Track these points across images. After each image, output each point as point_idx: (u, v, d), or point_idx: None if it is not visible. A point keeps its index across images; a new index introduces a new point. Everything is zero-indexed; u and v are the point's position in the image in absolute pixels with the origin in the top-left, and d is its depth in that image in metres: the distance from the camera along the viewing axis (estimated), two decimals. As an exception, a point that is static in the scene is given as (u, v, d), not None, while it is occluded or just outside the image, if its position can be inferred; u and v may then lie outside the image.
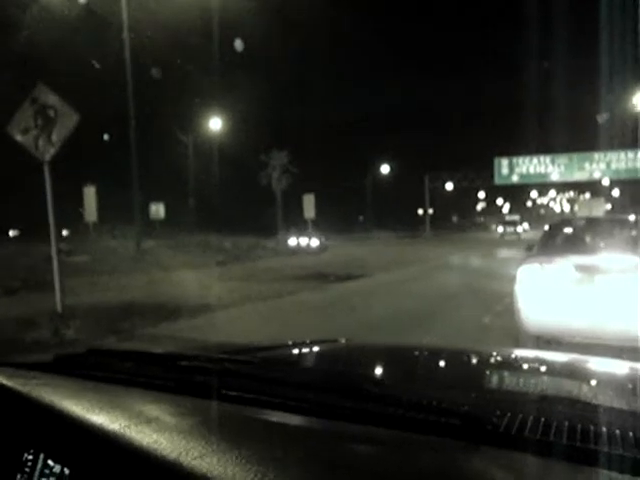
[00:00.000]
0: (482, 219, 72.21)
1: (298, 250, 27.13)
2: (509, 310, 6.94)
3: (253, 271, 16.01)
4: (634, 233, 6.84)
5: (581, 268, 5.79)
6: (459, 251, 24.93)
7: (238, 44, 22.85)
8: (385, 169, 58.47)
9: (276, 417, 1.11)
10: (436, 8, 59.38)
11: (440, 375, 1.70)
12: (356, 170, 51.26)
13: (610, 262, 5.76)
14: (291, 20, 44.89)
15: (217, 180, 33.93)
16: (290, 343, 2.10)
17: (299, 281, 12.87)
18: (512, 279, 6.16)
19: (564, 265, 5.89)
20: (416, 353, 2.07)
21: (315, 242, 27.64)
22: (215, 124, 36.84)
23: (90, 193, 23.99)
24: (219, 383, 1.24)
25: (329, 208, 47.95)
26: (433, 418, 1.02)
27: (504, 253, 21.75)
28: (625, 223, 7.97)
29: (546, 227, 7.85)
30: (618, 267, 5.70)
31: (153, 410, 1.18)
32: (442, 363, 1.91)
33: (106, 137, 35.57)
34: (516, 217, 54.75)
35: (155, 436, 0.99)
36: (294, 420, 1.10)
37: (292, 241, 27.38)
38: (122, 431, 1.02)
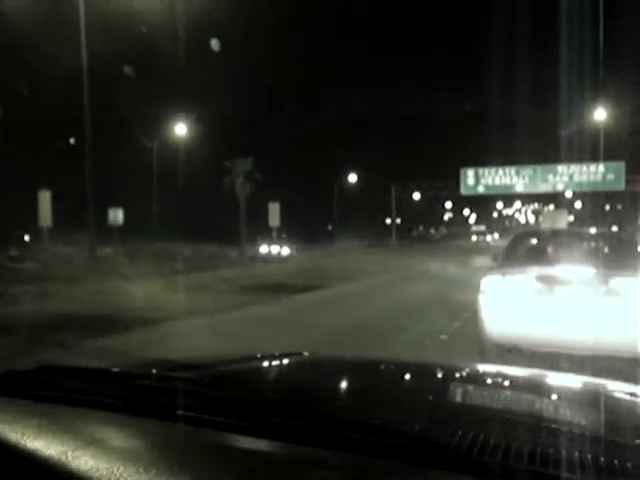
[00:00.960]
0: (444, 230, 72.75)
1: (262, 258, 26.64)
2: (469, 325, 6.83)
3: (209, 281, 15.45)
4: (593, 245, 7.19)
5: (542, 279, 5.92)
6: (423, 261, 24.72)
7: (210, 45, 22.43)
8: (353, 178, 58.36)
9: (229, 440, 1.08)
10: (406, 21, 59.78)
11: (398, 392, 1.64)
12: (323, 179, 50.87)
13: (569, 274, 5.89)
14: (261, 26, 44.59)
15: (181, 186, 33.27)
16: (250, 357, 2.07)
17: (254, 292, 12.40)
18: (475, 288, 6.24)
19: (526, 276, 6.01)
20: (377, 367, 2.05)
21: (284, 250, 27.15)
22: (180, 130, 36.24)
23: (45, 198, 23.14)
24: (171, 403, 1.19)
25: (296, 217, 47.64)
26: (383, 440, 1.00)
27: (468, 262, 21.60)
28: (585, 236, 8.29)
29: (509, 239, 7.96)
30: (577, 279, 5.84)
31: (98, 432, 1.14)
32: (401, 378, 1.88)
33: (72, 141, 34.78)
34: (482, 227, 55.61)
35: (93, 462, 0.95)
36: (246, 443, 1.07)
37: (262, 249, 26.98)
38: (58, 457, 0.97)
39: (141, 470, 0.91)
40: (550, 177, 36.85)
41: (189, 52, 32.60)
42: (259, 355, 2.08)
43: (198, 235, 28.62)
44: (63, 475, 0.93)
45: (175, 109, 34.99)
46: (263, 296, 11.85)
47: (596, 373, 4.08)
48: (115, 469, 0.91)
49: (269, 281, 14.98)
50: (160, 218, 30.07)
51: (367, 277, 17.20)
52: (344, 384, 1.75)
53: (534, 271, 6.07)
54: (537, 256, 6.92)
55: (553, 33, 25.30)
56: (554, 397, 1.63)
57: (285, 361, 2.05)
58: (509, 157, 39.43)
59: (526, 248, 7.46)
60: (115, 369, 1.55)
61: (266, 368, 1.98)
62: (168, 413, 1.17)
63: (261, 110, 40.32)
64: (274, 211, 35.64)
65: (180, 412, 1.17)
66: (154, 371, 1.54)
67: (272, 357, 2.06)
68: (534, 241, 7.88)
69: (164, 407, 1.19)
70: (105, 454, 0.99)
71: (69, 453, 0.98)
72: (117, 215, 25.88)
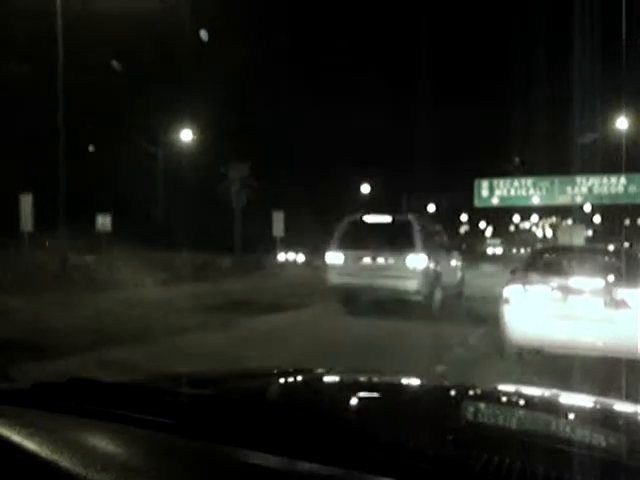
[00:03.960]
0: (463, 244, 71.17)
1: (259, 267, 25.25)
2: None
3: (182, 294, 13.97)
4: (606, 260, 8.10)
5: (558, 289, 6.75)
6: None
7: (203, 37, 21.18)
8: (365, 189, 56.87)
9: (242, 456, 1.09)
10: (423, 34, 58.45)
11: (415, 412, 1.58)
12: (333, 188, 49.29)
13: (581, 285, 6.70)
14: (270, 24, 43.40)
15: (178, 193, 31.99)
16: (265, 372, 2.11)
17: (215, 312, 10.87)
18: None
19: (543, 286, 6.88)
20: (393, 385, 2.01)
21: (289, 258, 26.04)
22: (184, 135, 35.09)
23: (26, 201, 21.95)
24: (192, 419, 1.22)
25: (306, 227, 46.17)
26: (404, 461, 0.99)
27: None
28: (598, 251, 9.66)
29: (528, 253, 9.27)
30: (588, 289, 6.66)
31: (118, 447, 1.15)
32: (417, 397, 1.85)
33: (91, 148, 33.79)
34: (497, 241, 54.29)
35: (107, 476, 0.97)
36: (260, 459, 1.07)
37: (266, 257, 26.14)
38: (78, 470, 0.99)
39: None
40: (568, 189, 34.90)
41: (195, 56, 31.45)
42: (275, 371, 2.07)
43: (193, 243, 27.23)
44: None
45: (177, 113, 33.75)
46: (222, 316, 10.34)
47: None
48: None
49: (244, 297, 13.46)
50: (154, 225, 28.73)
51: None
52: (360, 403, 1.69)
53: (551, 281, 6.90)
54: (554, 268, 7.79)
55: (573, 37, 23.67)
56: (575, 418, 1.60)
57: (301, 377, 2.01)
58: (525, 168, 37.57)
59: (544, 261, 8.31)
60: (140, 383, 1.63)
61: (282, 384, 1.93)
62: (188, 429, 1.17)
63: (269, 117, 38.96)
64: (278, 220, 34.15)
65: (198, 428, 1.17)
66: (176, 385, 1.57)
67: (288, 373, 2.04)
68: (550, 256, 8.85)
69: (184, 423, 1.20)
70: (121, 468, 1.01)
71: (87, 466, 1.00)
72: (105, 221, 24.53)
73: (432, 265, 12.27)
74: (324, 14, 52.41)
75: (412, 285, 11.53)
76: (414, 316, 10.12)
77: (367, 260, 12.19)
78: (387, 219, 12.86)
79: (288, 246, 43.74)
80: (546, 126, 34.32)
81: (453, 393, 1.94)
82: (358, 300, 12.05)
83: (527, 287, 7.03)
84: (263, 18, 42.07)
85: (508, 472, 0.94)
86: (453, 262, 14.77)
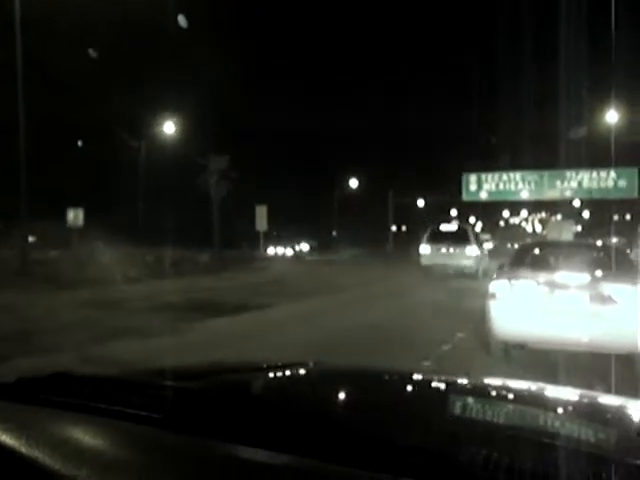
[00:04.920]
0: None
1: (239, 263, 24.39)
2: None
3: (140, 294, 13.06)
4: (594, 255, 7.87)
5: (544, 284, 6.64)
6: (411, 271, 22.18)
7: (182, 23, 20.24)
8: (354, 183, 56.07)
9: (232, 450, 1.07)
10: (415, 32, 57.71)
11: (404, 407, 1.57)
12: (318, 182, 48.41)
13: (567, 279, 6.61)
14: (252, 15, 42.41)
15: (155, 187, 30.99)
16: (255, 366, 2.04)
17: (172, 313, 9.97)
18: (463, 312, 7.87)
19: (530, 281, 6.78)
20: (382, 379, 1.99)
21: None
22: (169, 128, 34.04)
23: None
24: (176, 412, 1.21)
25: (293, 221, 45.32)
26: (393, 456, 0.99)
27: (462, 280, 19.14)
28: (586, 247, 9.41)
29: (515, 249, 8.32)
30: (574, 284, 6.55)
31: (102, 440, 1.15)
32: (408, 392, 1.85)
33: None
34: (487, 236, 53.78)
35: (90, 469, 0.97)
36: (248, 453, 1.06)
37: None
38: (60, 464, 0.99)
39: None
40: (558, 183, 34.19)
41: (173, 45, 30.44)
42: (264, 365, 2.02)
43: (172, 238, 26.28)
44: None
45: (160, 105, 32.71)
46: (180, 317, 9.45)
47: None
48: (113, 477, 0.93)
49: (207, 296, 12.59)
50: (131, 220, 27.74)
51: (332, 292, 14.67)
52: (354, 396, 1.70)
53: (537, 276, 6.80)
54: (540, 263, 7.71)
55: (561, 30, 22.93)
56: (562, 412, 1.59)
57: (290, 371, 2.00)
58: (514, 162, 36.75)
59: (530, 257, 8.15)
60: (125, 377, 1.61)
61: (271, 378, 1.93)
62: (174, 423, 1.16)
63: (252, 108, 38.01)
64: (261, 215, 33.26)
65: (184, 422, 1.17)
66: (161, 379, 1.56)
67: (277, 367, 2.01)
68: (536, 251, 8.62)
69: (170, 416, 1.19)
70: (106, 463, 1.02)
71: (68, 460, 1.00)
72: (77, 215, 23.44)
73: (478, 253, 21.79)
74: (313, 8, 51.43)
75: (469, 263, 20.95)
76: (468, 279, 14.78)
77: (443, 250, 21.80)
78: (454, 227, 24.28)
79: (275, 240, 43.07)
80: (534, 120, 33.57)
81: (443, 387, 1.91)
82: (437, 273, 20.79)
83: (513, 282, 6.93)
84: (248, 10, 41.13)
85: (496, 466, 0.95)
86: (484, 251, 24.08)
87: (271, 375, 1.97)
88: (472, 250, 21.54)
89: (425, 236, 22.83)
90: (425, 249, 22.28)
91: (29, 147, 17.41)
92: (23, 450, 1.05)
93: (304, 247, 38.82)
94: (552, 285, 6.62)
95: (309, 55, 50.20)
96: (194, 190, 28.98)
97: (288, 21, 49.92)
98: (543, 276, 6.80)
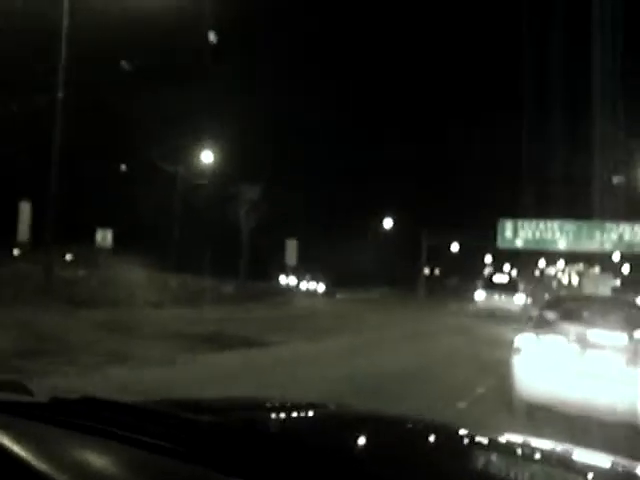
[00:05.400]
0: (455, 280, 69.30)
1: (263, 295, 24.03)
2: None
3: (160, 319, 12.81)
4: (632, 313, 7.10)
5: (576, 341, 6.01)
6: (437, 316, 21.48)
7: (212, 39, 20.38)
8: (388, 223, 55.64)
9: None
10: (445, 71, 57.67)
11: (419, 455, 1.58)
12: (352, 221, 48.07)
13: (602, 338, 5.98)
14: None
15: (194, 214, 31.06)
16: (275, 404, 2.05)
17: (181, 342, 9.82)
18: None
19: (559, 337, 6.19)
20: (407, 427, 1.98)
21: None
22: (207, 157, 34.38)
23: (25, 210, 21.21)
24: (193, 445, 1.22)
25: (322, 258, 44.95)
26: None
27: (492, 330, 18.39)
28: (624, 303, 8.73)
29: (545, 300, 8.60)
30: (610, 344, 5.91)
31: (119, 467, 1.16)
32: (423, 440, 1.83)
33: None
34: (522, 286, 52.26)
35: None
36: None
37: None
38: None
39: None
40: (597, 235, 33.17)
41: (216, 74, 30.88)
42: (284, 403, 2.03)
43: (200, 266, 26.14)
44: None
45: (195, 132, 33.03)
46: (187, 347, 9.17)
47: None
48: None
49: (228, 327, 12.20)
50: (162, 244, 27.75)
51: (345, 333, 14.03)
52: (368, 442, 1.67)
53: (568, 332, 6.16)
54: (572, 319, 6.82)
55: (596, 74, 22.46)
56: (582, 475, 1.57)
57: (307, 411, 2.00)
58: (550, 210, 35.75)
59: (562, 310, 7.30)
60: (151, 406, 1.62)
61: (287, 417, 1.93)
62: (192, 456, 1.18)
63: (290, 141, 38.16)
64: (291, 248, 33.15)
65: (202, 456, 1.18)
66: (185, 410, 1.58)
67: (295, 406, 2.01)
68: (570, 303, 8.02)
69: (189, 449, 1.20)
70: None
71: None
72: (106, 236, 23.55)
73: (524, 301, 26.22)
74: (352, 40, 51.84)
75: (517, 309, 23.31)
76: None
77: (496, 297, 26.57)
78: (506, 278, 31.92)
79: (304, 274, 42.65)
80: (568, 168, 32.70)
81: (459, 439, 1.87)
82: (488, 315, 22.67)
83: (541, 337, 6.41)
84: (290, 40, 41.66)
85: None
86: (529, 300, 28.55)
87: (288, 414, 1.97)
88: (520, 298, 27.12)
89: (480, 284, 29.35)
90: (480, 295, 27.85)
91: (68, 169, 17.63)
92: (47, 470, 1.07)
93: (328, 284, 38.41)
94: (584, 343, 6.03)
95: (348, 89, 50.37)
96: (225, 219, 28.91)
97: (329, 52, 50.36)
98: (575, 332, 6.20)
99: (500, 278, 31.12)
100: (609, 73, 21.89)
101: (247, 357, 9.77)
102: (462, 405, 6.72)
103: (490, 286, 28.01)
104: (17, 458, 1.13)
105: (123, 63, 20.64)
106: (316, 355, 10.47)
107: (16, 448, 1.16)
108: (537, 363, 6.29)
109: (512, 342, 6.78)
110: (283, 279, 32.22)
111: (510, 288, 27.63)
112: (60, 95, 16.44)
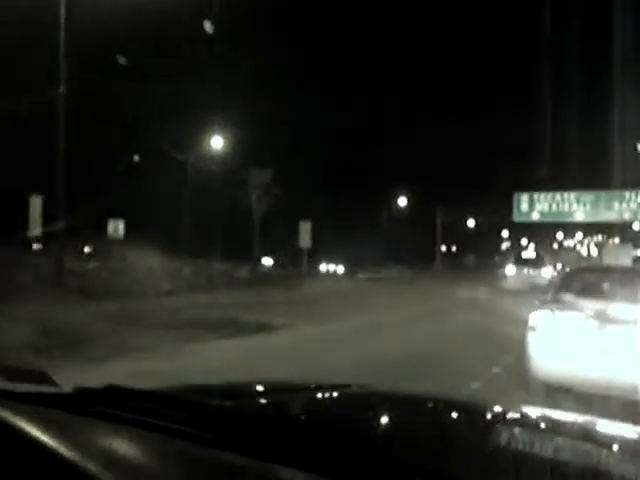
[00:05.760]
0: (471, 257, 68.79)
1: (279, 279, 23.94)
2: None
3: (170, 307, 12.67)
4: None
5: (594, 316, 5.67)
6: (452, 293, 21.17)
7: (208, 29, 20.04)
8: (402, 201, 55.11)
9: (275, 471, 1.09)
10: (455, 47, 56.70)
11: (446, 434, 1.55)
12: (364, 199, 47.65)
13: (624, 312, 5.59)
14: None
15: (205, 200, 30.93)
16: (297, 386, 2.10)
17: (186, 330, 9.61)
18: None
19: (577, 312, 5.85)
20: (420, 405, 1.96)
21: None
22: (216, 142, 34.15)
23: (36, 203, 21.12)
24: (223, 431, 1.22)
25: (338, 239, 44.69)
26: None
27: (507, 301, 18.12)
28: None
29: (562, 273, 7.77)
30: (632, 318, 5.50)
31: (145, 454, 1.19)
32: (449, 418, 1.83)
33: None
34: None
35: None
36: (286, 474, 1.08)
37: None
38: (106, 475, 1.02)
39: None
40: (615, 204, 32.52)
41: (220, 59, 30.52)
42: (310, 385, 2.03)
43: (214, 252, 26.04)
44: None
45: (206, 119, 32.79)
46: (191, 335, 9.00)
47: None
48: None
49: (233, 312, 12.05)
50: (172, 233, 27.65)
51: (365, 313, 13.81)
52: (396, 422, 1.69)
53: (586, 307, 5.83)
54: (592, 292, 6.53)
55: (617, 42, 21.78)
56: (606, 447, 1.51)
57: (332, 393, 2.00)
58: (569, 182, 35.10)
59: (580, 283, 7.02)
60: (174, 393, 1.65)
61: (313, 399, 1.93)
62: (219, 441, 1.18)
63: (301, 123, 37.78)
64: (305, 231, 32.92)
65: (229, 441, 1.18)
66: (209, 397, 1.61)
67: (320, 388, 2.00)
68: (589, 276, 7.46)
69: (215, 435, 1.20)
70: (151, 477, 1.07)
71: (117, 471, 1.03)
72: (117, 227, 23.41)
73: (552, 272, 27.06)
74: (358, 17, 51.14)
75: (545, 281, 22.01)
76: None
77: (525, 271, 28.78)
78: (533, 254, 34.70)
79: (322, 257, 42.50)
80: (588, 137, 31.97)
81: (479, 415, 1.86)
82: (519, 289, 23.02)
83: (557, 313, 6.03)
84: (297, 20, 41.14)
85: None
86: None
87: (314, 396, 1.96)
88: (547, 271, 29.25)
89: (511, 260, 32.52)
90: (511, 270, 30.46)
91: (78, 162, 17.57)
92: (75, 459, 1.08)
93: (347, 265, 38.79)
94: (604, 318, 5.66)
95: (360, 69, 49.77)
96: (237, 204, 28.74)
97: (337, 33, 49.74)
98: (593, 307, 5.84)
99: (528, 254, 35.37)
100: (629, 38, 21.22)
101: (260, 343, 9.59)
102: (476, 385, 6.45)
103: (520, 262, 31.25)
104: (44, 448, 1.14)
105: (119, 57, 20.37)
106: (325, 338, 10.27)
107: (43, 437, 1.17)
108: (553, 341, 5.94)
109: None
110: (301, 262, 32.09)
111: (538, 262, 30.80)
112: (62, 89, 16.26)
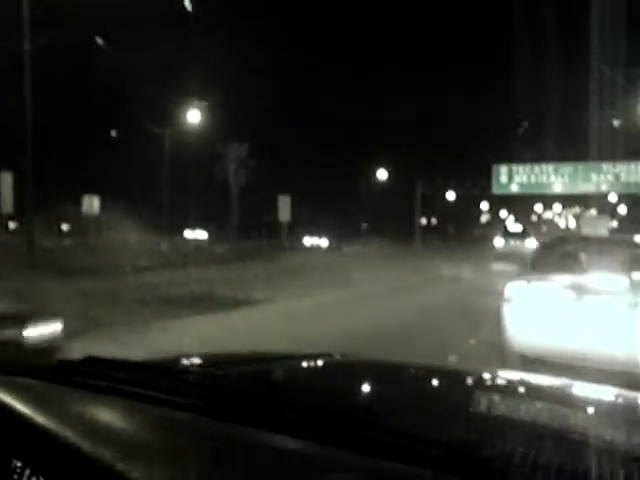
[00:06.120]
0: (477, 231, 69.19)
1: (257, 253, 23.73)
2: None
3: (144, 283, 12.42)
4: (632, 254, 6.54)
5: (571, 287, 5.64)
6: (430, 267, 21.18)
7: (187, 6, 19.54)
8: (382, 174, 54.96)
9: (258, 437, 1.09)
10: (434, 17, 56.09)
11: (430, 399, 1.60)
12: (344, 173, 47.43)
13: (601, 283, 5.59)
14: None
15: (174, 175, 30.51)
16: (280, 356, 2.10)
17: (165, 306, 9.41)
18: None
19: (553, 283, 5.80)
20: (409, 372, 2.01)
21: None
22: (193, 116, 33.58)
23: (6, 180, 20.61)
24: (206, 398, 1.23)
25: (319, 212, 44.52)
26: (421, 448, 0.99)
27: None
28: (622, 244, 7.69)
29: (538, 244, 7.75)
30: (609, 288, 5.53)
31: (129, 422, 1.19)
32: (433, 385, 1.87)
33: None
34: (518, 228, 52.09)
35: (119, 450, 0.99)
36: (277, 441, 1.07)
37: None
38: (91, 443, 1.02)
39: (165, 461, 0.95)
40: (593, 176, 32.67)
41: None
42: (293, 355, 2.05)
43: (189, 228, 25.74)
44: (94, 462, 0.96)
45: (180, 93, 32.20)
46: (165, 312, 8.80)
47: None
48: (143, 460, 0.95)
49: (209, 287, 11.90)
50: (150, 209, 27.28)
51: (340, 287, 13.70)
52: (380, 388, 1.70)
53: (563, 278, 5.78)
54: (568, 263, 6.45)
55: (595, 12, 21.63)
56: (585, 408, 1.58)
57: (319, 361, 2.02)
58: (546, 154, 35.20)
59: (556, 254, 6.95)
60: (154, 362, 1.66)
61: (301, 368, 1.94)
62: (200, 408, 1.18)
63: (278, 97, 37.26)
64: (285, 205, 32.70)
65: (214, 407, 1.19)
66: (191, 366, 1.67)
67: (305, 357, 2.02)
68: (565, 247, 7.35)
69: (199, 402, 1.20)
70: (133, 444, 1.06)
71: (99, 440, 1.03)
72: (92, 203, 23.03)
73: (535, 244, 24.52)
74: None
75: (529, 251, 19.62)
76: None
77: (512, 242, 32.96)
78: (520, 228, 38.93)
79: (303, 231, 42.31)
80: (566, 108, 31.99)
81: (463, 380, 1.88)
82: (506, 258, 20.83)
83: (533, 284, 5.91)
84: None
85: (521, 461, 0.92)
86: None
87: (297, 364, 1.96)
88: (531, 242, 30.50)
89: (499, 233, 37.27)
90: (499, 241, 35.11)
91: (58, 136, 17.10)
92: (56, 429, 1.08)
93: (331, 239, 39.10)
94: (581, 289, 5.57)
95: (335, 41, 49.10)
96: (215, 179, 28.40)
97: (313, 4, 48.90)
98: (570, 278, 5.74)
99: (515, 227, 40.20)
100: (609, 6, 21.08)
101: (237, 318, 9.39)
102: (453, 359, 6.39)
103: (507, 234, 36.24)
104: (23, 417, 1.15)
105: (98, 39, 19.85)
106: (304, 312, 10.15)
107: (22, 407, 1.18)
108: (530, 312, 5.82)
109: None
110: (281, 236, 31.94)
111: (523, 235, 35.24)
112: (27, 48, 15.65)
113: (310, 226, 44.12)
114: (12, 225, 29.35)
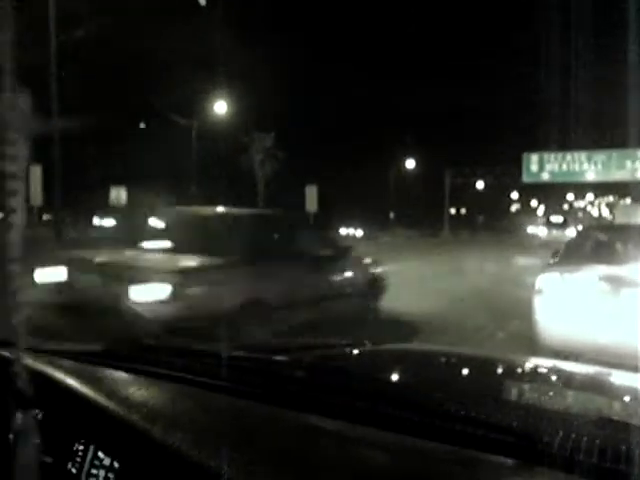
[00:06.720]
0: (481, 218, 68.41)
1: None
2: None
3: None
4: None
5: (605, 279, 5.47)
6: (454, 259, 20.79)
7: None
8: (410, 164, 54.43)
9: (305, 419, 1.13)
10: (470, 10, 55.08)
11: (479, 385, 1.61)
12: (372, 163, 47.04)
13: (636, 274, 5.31)
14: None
15: (210, 166, 30.59)
16: (316, 343, 2.13)
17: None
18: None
19: (586, 275, 5.62)
20: (449, 360, 2.02)
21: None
22: (220, 107, 33.61)
23: (36, 173, 20.85)
24: (264, 386, 1.28)
25: (347, 202, 44.31)
26: (482, 433, 1.00)
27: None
28: None
29: (571, 234, 7.10)
30: None
31: (181, 405, 1.24)
32: (478, 372, 1.82)
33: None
34: (560, 219, 51.28)
35: (190, 435, 1.03)
36: (325, 424, 1.10)
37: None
38: (162, 429, 1.06)
39: (229, 445, 0.98)
40: (627, 163, 31.86)
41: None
42: (328, 343, 2.09)
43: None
44: (166, 445, 1.00)
45: (208, 85, 32.22)
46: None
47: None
48: (209, 443, 0.99)
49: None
50: (173, 199, 27.43)
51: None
52: (430, 376, 1.71)
53: (596, 269, 5.60)
54: (602, 253, 6.26)
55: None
56: (629, 395, 1.56)
57: (357, 350, 2.03)
58: (579, 141, 34.35)
59: (590, 244, 6.75)
60: (206, 349, 1.65)
61: (334, 355, 1.93)
62: (241, 391, 1.24)
63: (307, 88, 37.08)
64: (311, 195, 32.51)
65: (261, 392, 1.23)
66: (242, 353, 1.63)
67: (340, 345, 2.05)
68: (599, 237, 7.08)
69: (255, 389, 1.25)
70: (175, 421, 1.10)
71: (145, 417, 1.09)
72: (120, 194, 23.21)
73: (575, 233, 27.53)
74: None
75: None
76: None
77: (554, 232, 38.99)
78: (561, 219, 46.81)
79: (335, 222, 42.12)
80: (596, 95, 31.15)
81: (506, 367, 1.88)
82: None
83: (566, 276, 5.66)
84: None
85: (583, 448, 0.91)
86: None
87: (334, 352, 1.97)
88: (571, 231, 31.82)
89: (542, 223, 42.86)
90: (542, 231, 40.15)
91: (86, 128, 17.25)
92: (109, 408, 1.14)
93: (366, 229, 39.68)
94: (615, 281, 5.34)
95: (364, 33, 48.65)
96: (241, 170, 28.39)
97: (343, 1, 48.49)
98: (604, 269, 5.51)
99: (556, 219, 45.44)
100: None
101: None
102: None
103: (550, 224, 42.20)
104: (80, 397, 1.20)
105: None
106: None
107: (80, 388, 1.24)
108: (562, 306, 5.61)
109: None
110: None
111: (564, 225, 40.48)
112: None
113: (339, 217, 43.97)
114: (45, 217, 29.81)
